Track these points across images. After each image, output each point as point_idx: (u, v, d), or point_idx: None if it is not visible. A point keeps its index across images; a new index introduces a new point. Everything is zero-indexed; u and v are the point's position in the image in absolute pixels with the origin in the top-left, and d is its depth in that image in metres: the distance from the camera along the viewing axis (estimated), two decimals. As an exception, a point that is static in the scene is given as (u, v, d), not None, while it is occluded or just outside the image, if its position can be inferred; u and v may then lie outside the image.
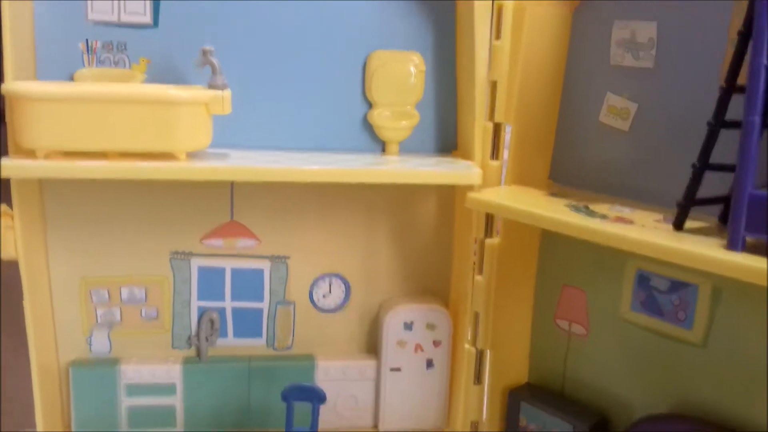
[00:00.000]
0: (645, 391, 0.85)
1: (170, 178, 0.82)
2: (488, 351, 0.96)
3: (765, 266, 0.58)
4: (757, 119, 0.60)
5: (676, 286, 0.81)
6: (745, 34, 0.62)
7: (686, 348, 0.80)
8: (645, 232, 0.69)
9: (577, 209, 0.78)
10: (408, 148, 0.97)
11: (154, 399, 0.97)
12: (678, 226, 0.70)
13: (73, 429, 0.96)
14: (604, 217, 0.75)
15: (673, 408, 0.83)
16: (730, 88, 0.65)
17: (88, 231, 0.93)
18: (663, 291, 0.82)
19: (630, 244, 0.68)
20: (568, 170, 0.92)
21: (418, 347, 0.99)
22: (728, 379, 0.77)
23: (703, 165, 0.67)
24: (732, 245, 0.62)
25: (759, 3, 0.59)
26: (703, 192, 0.69)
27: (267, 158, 0.87)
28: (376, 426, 1.01)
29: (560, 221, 0.74)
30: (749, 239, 0.62)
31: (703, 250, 0.63)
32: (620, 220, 0.74)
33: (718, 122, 0.65)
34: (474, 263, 0.94)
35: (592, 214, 0.76)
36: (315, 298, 1.00)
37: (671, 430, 0.79)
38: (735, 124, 0.63)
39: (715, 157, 0.67)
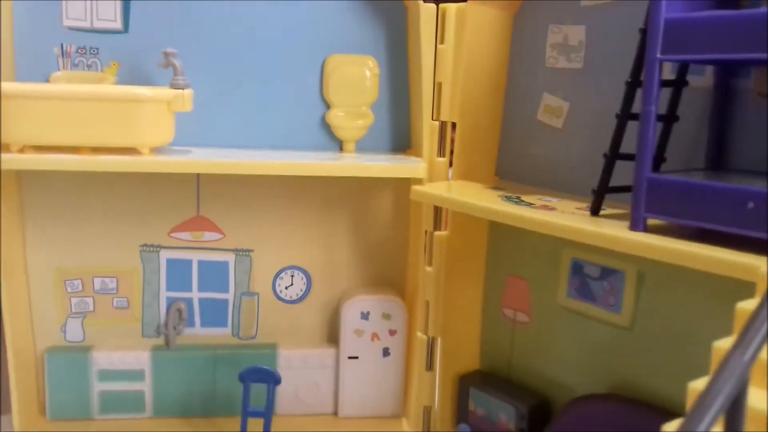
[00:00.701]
0: (582, 373, 0.90)
1: (135, 170, 0.88)
2: (439, 339, 1.01)
3: (661, 243, 0.64)
4: (652, 108, 0.65)
5: (606, 272, 0.86)
6: (645, 31, 0.67)
7: (616, 331, 0.85)
8: (562, 216, 0.74)
9: (509, 199, 0.84)
10: (364, 146, 1.03)
11: (125, 384, 1.02)
12: (594, 211, 0.75)
13: (48, 413, 1.02)
14: (531, 205, 0.80)
15: (609, 388, 0.87)
16: (634, 82, 0.70)
17: (64, 223, 1.00)
18: (595, 278, 0.87)
19: (547, 227, 0.73)
20: (511, 166, 0.97)
21: (375, 336, 1.04)
22: (653, 359, 0.82)
23: (614, 155, 0.72)
24: (634, 226, 0.67)
25: (653, 3, 0.65)
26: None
27: (229, 154, 0.93)
28: (335, 412, 1.06)
29: (489, 209, 0.80)
30: (653, 221, 0.68)
31: (607, 230, 0.68)
32: (545, 207, 0.79)
33: (625, 114, 0.71)
34: (424, 255, 0.99)
35: (520, 203, 0.82)
36: (278, 289, 1.06)
37: (600, 407, 0.84)
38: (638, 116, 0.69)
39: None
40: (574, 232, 0.70)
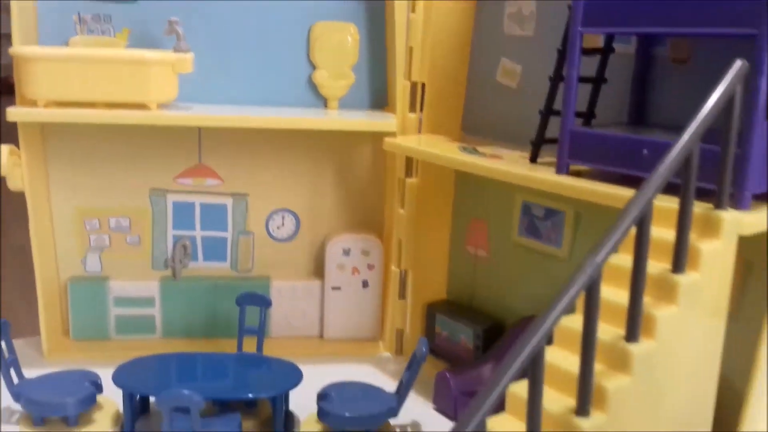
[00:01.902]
0: (529, 299, 1.05)
1: (144, 123, 1.02)
2: (410, 272, 1.16)
3: (575, 183, 0.77)
4: (574, 73, 0.78)
5: (550, 213, 1.00)
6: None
7: (557, 262, 1.00)
8: (504, 163, 0.88)
9: (465, 150, 0.97)
10: (346, 104, 1.16)
11: (137, 310, 1.17)
12: (532, 159, 0.89)
13: (71, 333, 1.17)
14: (482, 155, 0.94)
15: (552, 314, 1.02)
16: (563, 50, 0.83)
17: (82, 169, 1.13)
18: (541, 218, 1.01)
19: (490, 171, 0.87)
20: (475, 122, 1.11)
21: (355, 270, 1.19)
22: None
23: (547, 111, 0.86)
24: (559, 170, 0.81)
25: (577, -19, 0.77)
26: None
27: (226, 110, 1.07)
28: (321, 335, 1.22)
29: (446, 157, 0.94)
30: (574, 168, 0.82)
31: (537, 174, 0.82)
32: (493, 156, 0.93)
33: (556, 78, 0.84)
34: (398, 199, 1.14)
35: (474, 152, 0.95)
36: (270, 229, 1.20)
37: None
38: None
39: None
40: (511, 175, 0.84)
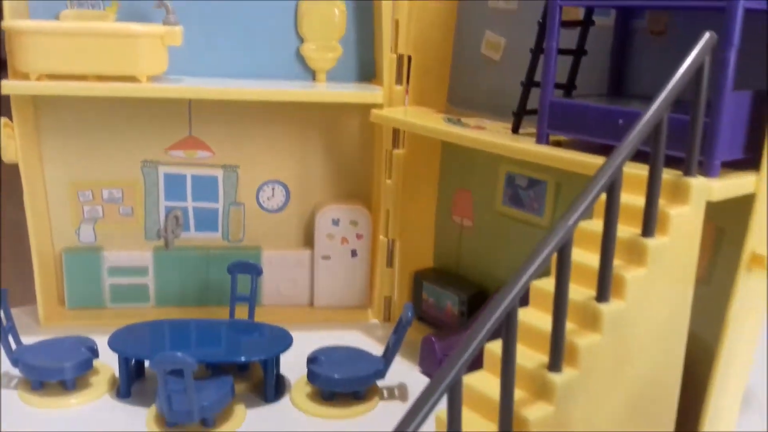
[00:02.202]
0: (513, 267, 1.07)
1: (134, 96, 1.04)
2: (398, 241, 1.19)
3: (555, 153, 0.80)
4: (554, 45, 0.81)
5: (532, 183, 1.03)
6: (551, -18, 0.82)
7: (540, 231, 1.03)
8: (486, 134, 0.91)
9: (450, 121, 1.00)
10: (334, 76, 1.18)
11: (131, 279, 1.20)
12: (514, 130, 0.91)
13: (66, 302, 1.20)
14: (466, 126, 0.97)
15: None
16: (544, 23, 0.85)
17: (75, 142, 1.15)
18: (523, 188, 1.04)
19: (472, 141, 0.89)
20: (460, 94, 1.13)
21: (344, 240, 1.22)
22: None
23: (528, 83, 0.88)
24: (539, 140, 0.84)
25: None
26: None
27: (216, 82, 1.08)
28: (311, 303, 1.25)
29: (431, 128, 0.96)
30: (554, 138, 0.84)
31: (518, 144, 0.85)
32: (477, 127, 0.95)
33: (537, 49, 0.86)
34: (385, 170, 1.16)
35: (458, 123, 0.98)
36: (261, 200, 1.23)
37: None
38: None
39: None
40: (493, 145, 0.87)
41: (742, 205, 0.72)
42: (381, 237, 1.19)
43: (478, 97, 1.10)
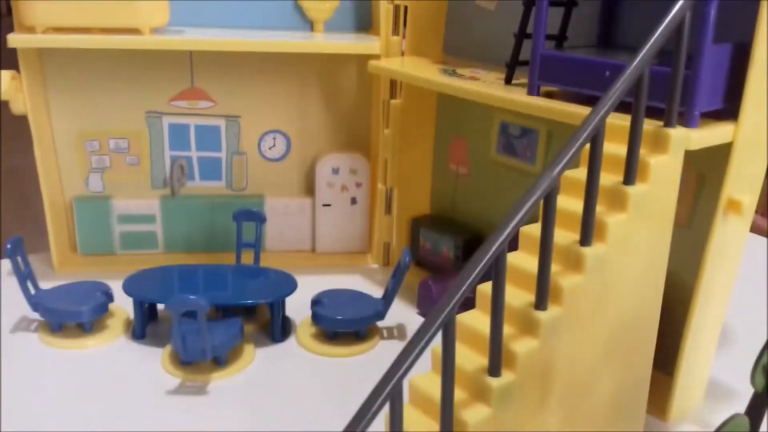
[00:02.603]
0: (506, 213, 1.12)
1: (137, 47, 1.07)
2: (395, 189, 1.23)
3: (544, 104, 0.84)
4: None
5: (525, 132, 1.06)
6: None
7: (531, 178, 1.06)
8: (480, 85, 0.94)
9: (446, 72, 1.03)
10: (332, 27, 1.20)
11: (140, 226, 1.25)
12: (507, 81, 0.95)
13: (78, 248, 1.24)
14: (461, 76, 1.00)
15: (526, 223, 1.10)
16: (536, -25, 0.87)
17: (81, 93, 1.18)
18: (517, 136, 1.08)
19: (466, 93, 0.93)
20: (456, 44, 1.16)
21: (344, 188, 1.26)
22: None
23: (521, 34, 0.91)
24: (530, 91, 0.87)
25: None
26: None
27: (216, 33, 1.11)
28: (313, 249, 1.30)
29: (426, 79, 0.99)
30: (545, 89, 0.87)
31: (510, 95, 0.88)
32: (471, 78, 0.99)
33: (529, 1, 0.89)
34: (383, 120, 1.19)
35: (453, 74, 1.01)
36: (263, 149, 1.27)
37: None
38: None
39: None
40: (486, 96, 0.90)
41: (722, 153, 0.76)
42: (379, 185, 1.23)
43: (473, 47, 1.12)
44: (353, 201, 1.27)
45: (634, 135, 0.65)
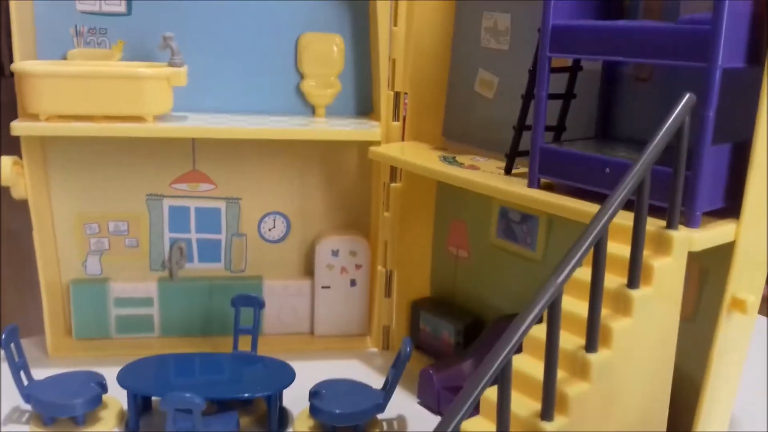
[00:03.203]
0: (507, 298, 1.11)
1: (140, 135, 1.07)
2: (395, 271, 1.22)
3: (546, 199, 0.84)
4: (543, 94, 0.84)
5: (525, 218, 1.06)
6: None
7: (532, 264, 1.06)
8: (481, 175, 0.94)
9: (446, 159, 1.03)
10: (333, 111, 1.21)
11: (137, 310, 1.23)
12: (507, 171, 0.95)
13: (74, 333, 1.22)
14: (461, 165, 1.00)
15: (528, 311, 1.09)
16: (534, 71, 0.89)
17: (82, 178, 1.18)
18: (517, 222, 1.08)
19: (469, 184, 0.93)
20: (455, 129, 1.17)
21: (344, 270, 1.25)
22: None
23: (520, 126, 0.92)
24: (530, 184, 0.87)
25: (544, 9, 0.83)
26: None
27: (219, 120, 1.12)
28: (312, 331, 1.28)
29: (428, 168, 1.00)
30: (545, 181, 0.88)
31: (511, 188, 0.88)
32: (471, 167, 0.99)
33: (528, 96, 0.90)
34: (383, 202, 1.20)
35: (453, 162, 1.01)
36: (262, 231, 1.26)
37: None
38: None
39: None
40: (488, 188, 0.91)
41: (725, 248, 0.76)
42: (379, 267, 1.22)
43: (472, 132, 1.13)
44: (353, 283, 1.26)
45: (636, 239, 0.65)
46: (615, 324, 0.64)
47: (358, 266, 1.25)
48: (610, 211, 0.61)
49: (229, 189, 1.23)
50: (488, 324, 1.11)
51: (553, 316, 0.60)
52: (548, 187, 0.88)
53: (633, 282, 0.66)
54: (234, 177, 1.23)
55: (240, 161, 1.22)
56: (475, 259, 1.16)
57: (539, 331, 0.66)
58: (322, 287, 1.25)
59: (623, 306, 0.66)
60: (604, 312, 0.65)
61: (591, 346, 0.63)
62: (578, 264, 0.60)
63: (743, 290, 0.77)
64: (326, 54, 1.18)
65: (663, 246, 0.68)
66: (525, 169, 0.96)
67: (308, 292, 1.26)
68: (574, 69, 0.92)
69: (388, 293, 1.23)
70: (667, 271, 0.68)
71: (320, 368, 1.07)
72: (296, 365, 1.02)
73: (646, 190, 0.63)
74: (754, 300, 0.76)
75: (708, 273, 0.83)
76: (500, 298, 1.12)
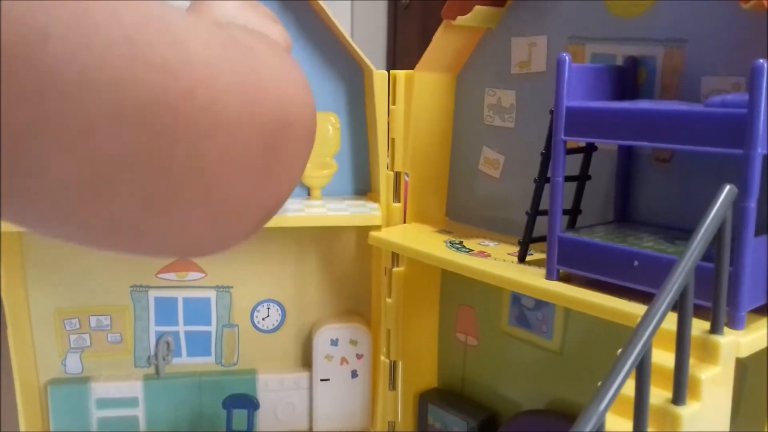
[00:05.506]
0: (524, 390, 1.03)
1: (124, 227, 1.00)
2: (400, 362, 1.14)
3: (567, 292, 0.77)
4: (559, 180, 0.78)
5: (540, 304, 0.99)
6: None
7: (549, 354, 0.99)
8: (493, 264, 0.87)
9: (452, 245, 0.96)
10: (330, 191, 1.15)
11: (120, 411, 1.14)
12: (521, 259, 0.88)
13: (51, 438, 1.13)
14: (470, 251, 0.93)
15: (546, 404, 1.00)
16: (547, 154, 0.83)
17: (61, 270, 1.11)
18: (530, 308, 1.00)
19: (480, 274, 0.86)
20: (459, 209, 1.10)
21: (344, 360, 1.17)
22: (580, 379, 0.95)
23: (534, 212, 0.85)
24: (549, 275, 0.80)
25: (557, 91, 0.77)
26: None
27: (207, 207, 1.05)
28: (310, 428, 1.19)
29: (434, 256, 0.93)
30: (564, 271, 0.81)
31: (527, 280, 0.81)
32: (481, 253, 0.92)
33: (541, 180, 0.84)
34: (385, 288, 1.12)
35: (461, 248, 0.94)
36: (255, 320, 1.18)
37: (536, 422, 0.97)
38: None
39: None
40: (501, 280, 0.83)
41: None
42: (382, 357, 1.14)
43: (477, 213, 1.07)
44: (354, 374, 1.17)
45: (681, 352, 0.57)
46: (663, 449, 0.57)
47: (359, 356, 1.17)
48: (651, 327, 0.54)
49: (219, 277, 1.16)
50: (506, 421, 1.02)
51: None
52: (566, 277, 0.81)
53: (679, 398, 0.58)
54: (225, 264, 1.15)
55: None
56: (485, 347, 1.08)
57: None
58: (321, 380, 1.17)
59: (670, 424, 0.58)
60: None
61: (637, 476, 0.55)
62: (620, 387, 0.52)
63: (793, 394, 0.69)
64: (321, 133, 1.12)
65: (709, 353, 0.61)
66: (539, 256, 0.89)
67: (306, 385, 1.17)
68: (589, 150, 0.86)
69: (392, 385, 1.15)
70: (715, 382, 0.60)
71: (321, 475, 0.98)
72: (295, 473, 0.93)
73: (689, 299, 0.56)
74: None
75: (747, 368, 0.75)
76: (514, 391, 1.04)
